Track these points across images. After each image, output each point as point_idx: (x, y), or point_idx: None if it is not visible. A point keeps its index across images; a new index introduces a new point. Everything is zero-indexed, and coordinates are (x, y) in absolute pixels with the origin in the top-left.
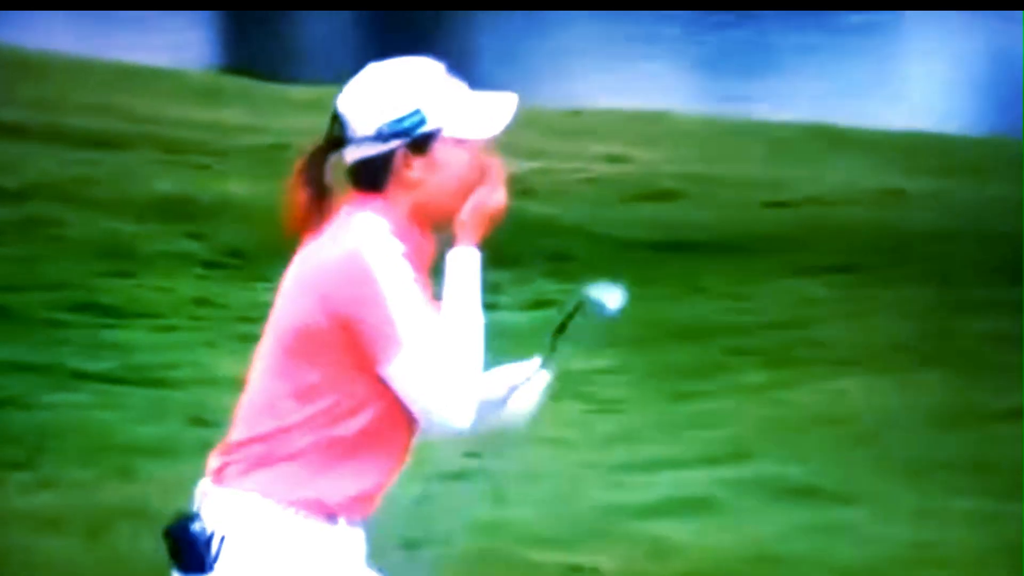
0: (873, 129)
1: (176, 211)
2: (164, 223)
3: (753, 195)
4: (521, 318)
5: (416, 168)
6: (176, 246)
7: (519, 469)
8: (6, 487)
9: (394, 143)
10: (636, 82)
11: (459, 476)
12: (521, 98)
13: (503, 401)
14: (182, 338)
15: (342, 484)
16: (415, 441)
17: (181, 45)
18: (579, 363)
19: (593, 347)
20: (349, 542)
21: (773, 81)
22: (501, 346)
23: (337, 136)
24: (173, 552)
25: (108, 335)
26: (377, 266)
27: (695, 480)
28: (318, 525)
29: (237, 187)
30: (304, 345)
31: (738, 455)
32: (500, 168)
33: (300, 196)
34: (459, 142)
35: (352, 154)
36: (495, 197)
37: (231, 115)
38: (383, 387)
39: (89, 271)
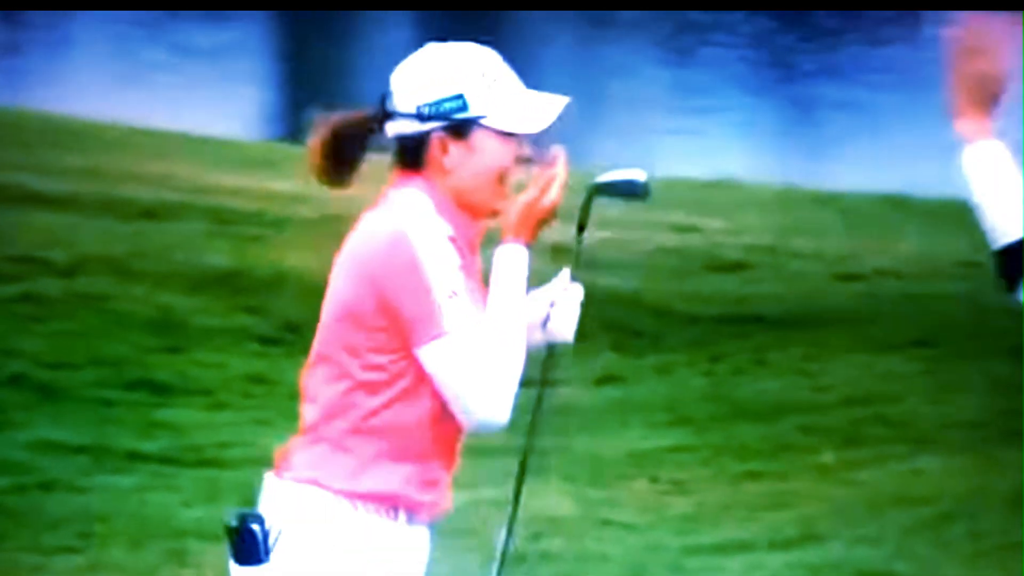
0: (946, 198)
1: (230, 284)
2: (217, 297)
3: (824, 267)
4: (587, 394)
5: (452, 153)
6: (229, 321)
7: (587, 551)
8: (56, 572)
9: (432, 124)
10: (704, 149)
11: (522, 559)
12: (588, 165)
13: (545, 321)
14: (235, 417)
15: (395, 474)
16: (463, 437)
17: (235, 115)
18: (648, 442)
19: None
20: (409, 540)
21: (845, 148)
22: (569, 423)
23: (382, 108)
24: (232, 544)
25: (159, 413)
26: (422, 250)
27: (766, 564)
28: (376, 519)
29: (293, 259)
30: (353, 327)
31: (810, 537)
32: (558, 167)
33: (319, 142)
34: (501, 135)
35: (392, 128)
36: (546, 198)
37: (286, 185)
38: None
39: (140, 347)
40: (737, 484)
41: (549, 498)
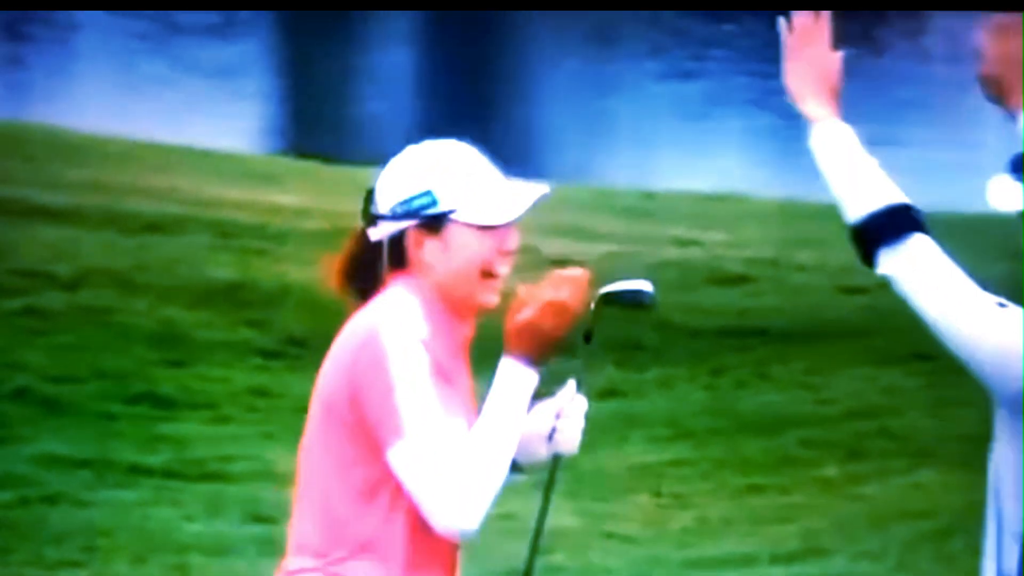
0: (949, 212)
1: (233, 298)
2: (221, 310)
3: (826, 280)
4: (589, 408)
5: (428, 249)
6: (233, 334)
7: (590, 565)
8: None
9: (405, 223)
10: (705, 163)
11: (526, 573)
12: (593, 180)
13: (551, 433)
14: (239, 430)
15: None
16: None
17: (238, 129)
18: (650, 456)
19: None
20: None
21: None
22: None
23: (366, 213)
24: None
25: (162, 427)
26: (392, 350)
27: None
28: None
29: (296, 273)
30: (333, 420)
31: (812, 551)
32: (569, 283)
33: (339, 261)
34: (476, 228)
35: (375, 232)
36: (551, 319)
37: (290, 198)
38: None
39: (143, 360)
40: (739, 498)
41: (552, 512)
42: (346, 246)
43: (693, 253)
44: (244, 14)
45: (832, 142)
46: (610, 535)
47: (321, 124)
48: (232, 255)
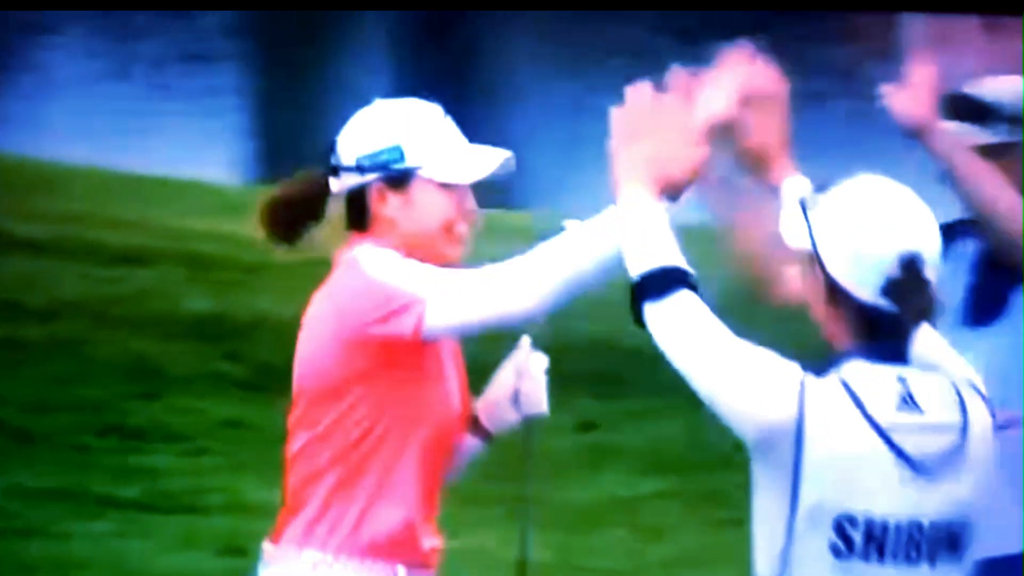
0: None
1: (207, 329)
2: (195, 342)
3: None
4: (565, 440)
5: (391, 204)
6: (207, 366)
7: None
8: None
9: (370, 176)
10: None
11: None
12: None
13: (515, 396)
14: (212, 462)
15: (387, 521)
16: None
17: (213, 160)
18: (628, 488)
19: None
20: None
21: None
22: (547, 470)
23: (328, 164)
24: None
25: (135, 459)
26: (372, 263)
27: None
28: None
29: (270, 304)
30: (322, 386)
31: None
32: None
33: (277, 199)
34: (440, 186)
35: (336, 184)
36: (682, 141)
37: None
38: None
39: (116, 392)
40: (719, 530)
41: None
42: (290, 187)
43: None
44: (221, 45)
45: (635, 214)
46: (586, 570)
47: (295, 155)
48: (207, 287)
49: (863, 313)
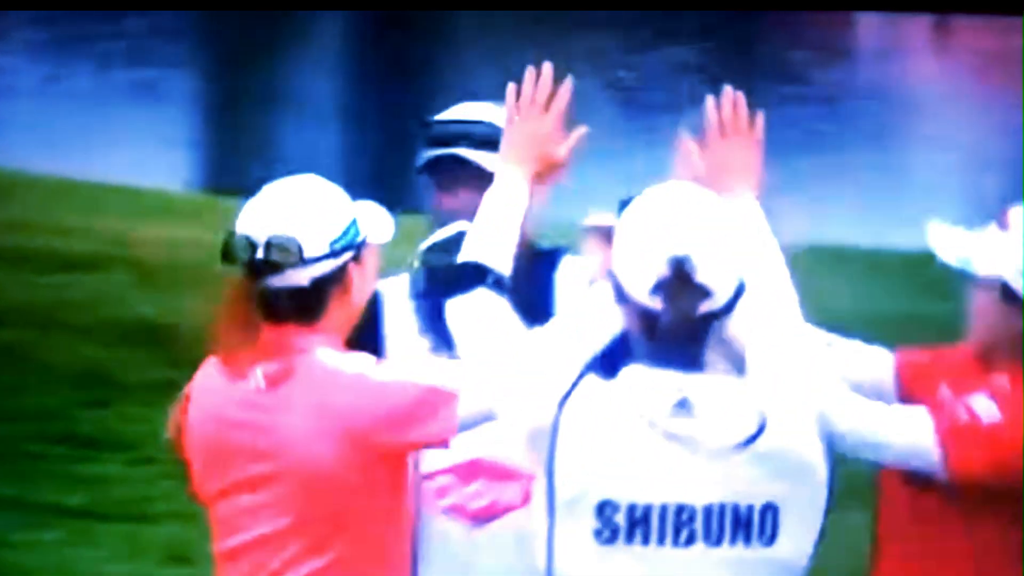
0: (887, 249)
1: (156, 337)
2: (144, 349)
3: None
4: None
5: (356, 280)
6: (156, 374)
7: None
8: None
9: (346, 256)
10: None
11: None
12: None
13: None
14: (160, 471)
15: None
16: None
17: (160, 166)
18: None
19: None
20: None
21: (769, 199)
22: None
23: (272, 262)
24: None
25: (83, 468)
26: (358, 364)
27: None
28: None
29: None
30: (337, 507)
31: None
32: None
33: (235, 327)
34: (371, 249)
35: (300, 276)
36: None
37: (211, 236)
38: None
39: (64, 400)
40: None
41: None
42: (235, 297)
43: None
44: (167, 50)
45: (493, 200)
46: None
47: (243, 160)
48: (153, 294)
49: (640, 312)
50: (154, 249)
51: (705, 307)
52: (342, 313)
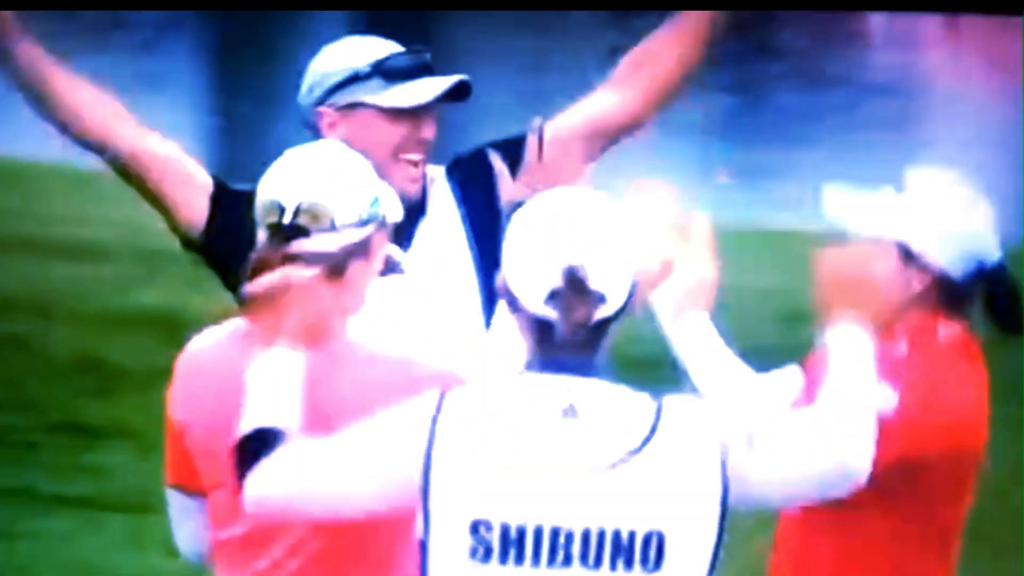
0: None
1: (159, 325)
2: (147, 337)
3: (766, 306)
4: None
5: (377, 251)
6: (159, 362)
7: None
8: None
9: (370, 228)
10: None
11: None
12: None
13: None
14: (163, 460)
15: None
16: None
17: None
18: None
19: None
20: None
21: (786, 186)
22: None
23: (301, 227)
24: None
25: (86, 458)
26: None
27: None
28: None
29: (223, 300)
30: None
31: None
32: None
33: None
34: (384, 230)
35: (329, 242)
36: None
37: None
38: None
39: (66, 389)
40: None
41: None
42: (259, 264)
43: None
44: (171, 38)
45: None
46: None
47: (248, 150)
48: (158, 282)
49: (534, 321)
50: (157, 237)
51: (600, 313)
52: (362, 284)
